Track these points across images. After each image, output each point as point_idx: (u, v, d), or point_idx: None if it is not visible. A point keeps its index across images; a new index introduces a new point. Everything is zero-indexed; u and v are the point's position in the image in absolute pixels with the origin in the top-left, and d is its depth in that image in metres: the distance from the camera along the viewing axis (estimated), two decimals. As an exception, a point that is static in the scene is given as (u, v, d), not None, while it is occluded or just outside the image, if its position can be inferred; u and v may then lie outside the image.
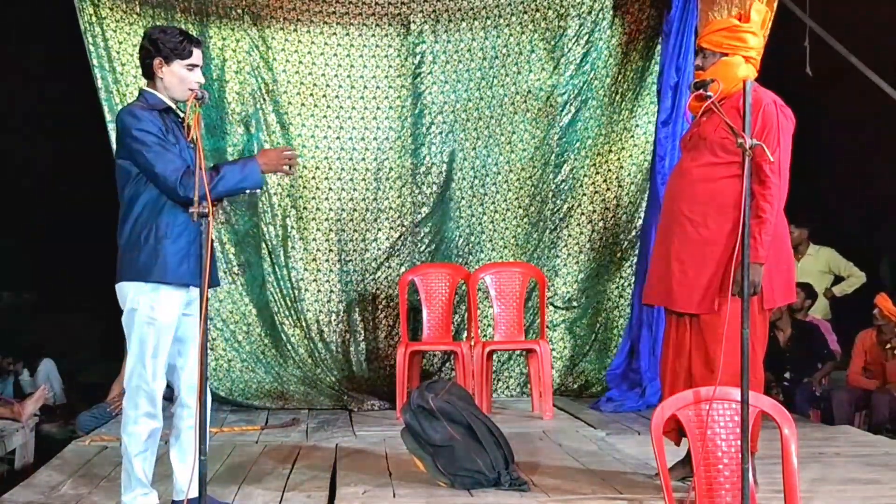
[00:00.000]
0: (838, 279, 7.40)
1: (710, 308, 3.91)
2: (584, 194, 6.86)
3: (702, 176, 3.99)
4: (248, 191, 3.94)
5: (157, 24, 6.33)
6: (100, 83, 6.21)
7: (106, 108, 6.20)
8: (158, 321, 3.61)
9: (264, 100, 6.60)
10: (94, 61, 6.19)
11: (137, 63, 6.22)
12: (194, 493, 3.31)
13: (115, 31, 6.26)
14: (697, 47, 4.18)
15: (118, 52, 6.28)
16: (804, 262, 7.41)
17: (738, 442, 2.94)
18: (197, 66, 3.71)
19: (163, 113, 3.66)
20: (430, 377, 6.62)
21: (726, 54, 4.02)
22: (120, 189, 3.67)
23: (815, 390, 6.44)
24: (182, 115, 3.69)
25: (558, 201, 6.86)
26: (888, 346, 6.36)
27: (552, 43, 6.76)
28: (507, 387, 6.87)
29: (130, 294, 3.62)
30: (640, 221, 6.69)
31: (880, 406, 6.08)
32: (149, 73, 3.72)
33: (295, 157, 3.87)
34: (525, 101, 6.79)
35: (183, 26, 6.40)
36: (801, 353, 6.66)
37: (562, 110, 6.81)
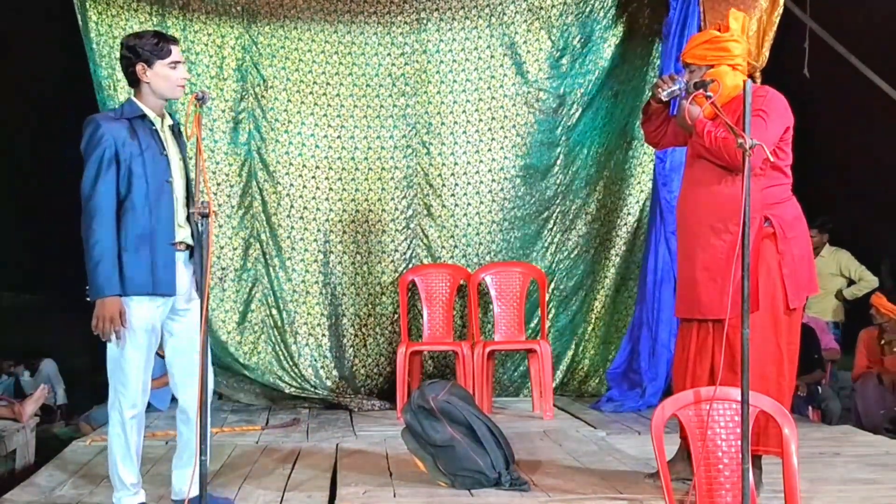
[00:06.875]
0: (850, 282, 7.39)
1: (739, 312, 3.92)
2: (585, 194, 6.85)
3: (715, 183, 4.00)
4: None
5: (154, 21, 6.33)
6: (97, 82, 6.21)
7: (103, 107, 6.19)
8: None
9: (262, 98, 6.58)
10: (92, 59, 6.18)
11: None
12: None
13: (110, 27, 6.23)
14: (683, 63, 4.19)
15: (113, 49, 6.27)
16: (816, 262, 7.38)
17: (739, 442, 2.94)
18: (179, 62, 3.73)
19: (135, 121, 3.68)
20: (430, 377, 6.62)
21: (712, 66, 4.06)
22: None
23: (799, 393, 6.45)
24: (172, 120, 3.82)
25: (559, 201, 6.86)
26: (882, 341, 6.38)
27: (555, 43, 6.75)
28: (508, 387, 6.87)
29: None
30: (641, 222, 6.69)
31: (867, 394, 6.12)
32: (134, 81, 3.74)
33: None
34: (537, 101, 6.78)
35: (180, 23, 6.41)
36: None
37: (564, 110, 6.80)
